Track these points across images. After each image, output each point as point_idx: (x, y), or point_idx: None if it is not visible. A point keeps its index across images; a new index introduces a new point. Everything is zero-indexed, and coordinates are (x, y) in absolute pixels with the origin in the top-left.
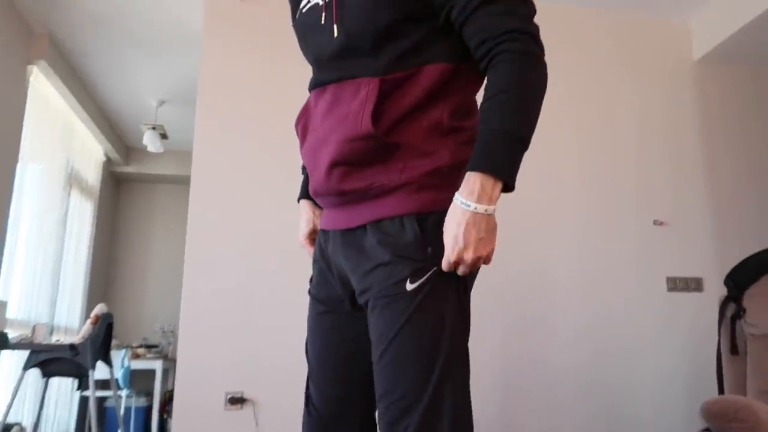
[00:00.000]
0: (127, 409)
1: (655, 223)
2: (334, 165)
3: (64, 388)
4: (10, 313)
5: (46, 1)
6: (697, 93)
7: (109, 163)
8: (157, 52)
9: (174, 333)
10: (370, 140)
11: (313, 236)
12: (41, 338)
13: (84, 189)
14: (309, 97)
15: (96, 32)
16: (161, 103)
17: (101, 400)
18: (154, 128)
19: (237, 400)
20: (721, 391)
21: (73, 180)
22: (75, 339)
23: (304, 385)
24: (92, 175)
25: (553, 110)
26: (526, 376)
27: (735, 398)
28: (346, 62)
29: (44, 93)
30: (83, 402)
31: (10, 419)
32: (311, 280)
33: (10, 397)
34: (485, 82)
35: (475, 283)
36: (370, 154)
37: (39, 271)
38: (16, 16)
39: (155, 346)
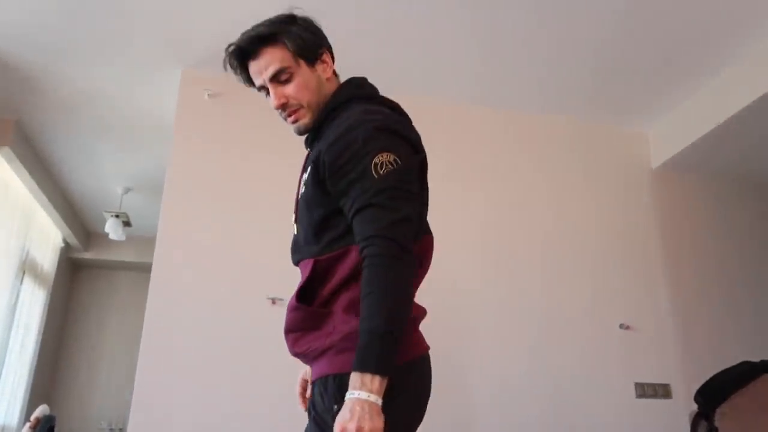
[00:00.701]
0: None
1: (621, 327)
2: (286, 332)
3: None
4: None
5: (16, 86)
6: (655, 199)
7: (67, 248)
8: (126, 141)
9: (123, 430)
10: (299, 311)
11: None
12: None
13: (38, 275)
14: None
15: (65, 119)
16: (127, 190)
17: None
18: (117, 216)
19: None
20: None
21: (27, 266)
22: None
23: None
24: (48, 261)
25: (514, 213)
26: None
27: None
28: (301, 248)
29: (4, 178)
30: None
31: None
32: None
33: None
34: None
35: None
36: (305, 322)
37: None
38: None
39: None
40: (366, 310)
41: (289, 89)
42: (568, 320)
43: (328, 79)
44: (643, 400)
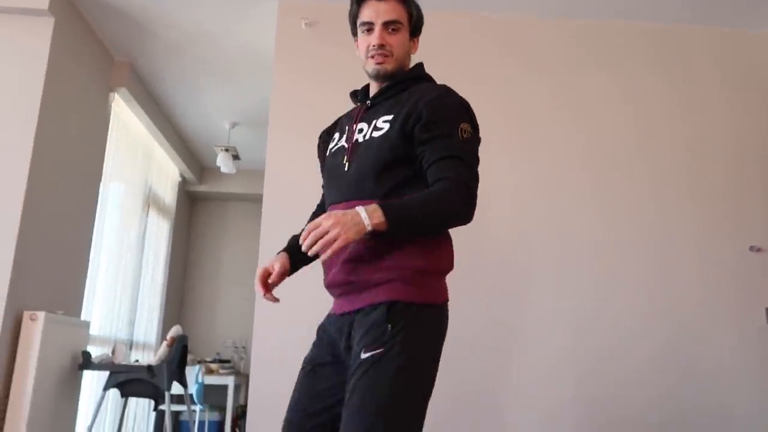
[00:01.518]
0: (201, 423)
1: (751, 249)
2: (346, 261)
3: (142, 403)
4: (93, 330)
5: (126, 30)
6: None
7: (184, 182)
8: (229, 77)
9: (246, 349)
10: (367, 243)
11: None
12: (121, 358)
13: (161, 208)
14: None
15: (171, 59)
16: (233, 125)
17: (177, 414)
18: (226, 150)
19: None
20: None
21: (151, 200)
22: (152, 360)
23: None
24: (168, 195)
25: (654, 125)
26: (603, 419)
27: None
28: (353, 188)
29: (125, 118)
30: (160, 416)
31: None
32: None
33: (92, 415)
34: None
35: (557, 321)
36: (370, 254)
37: (119, 289)
38: (98, 46)
39: (227, 362)
40: (418, 199)
41: (393, 38)
42: (689, 244)
43: (410, 54)
44: None
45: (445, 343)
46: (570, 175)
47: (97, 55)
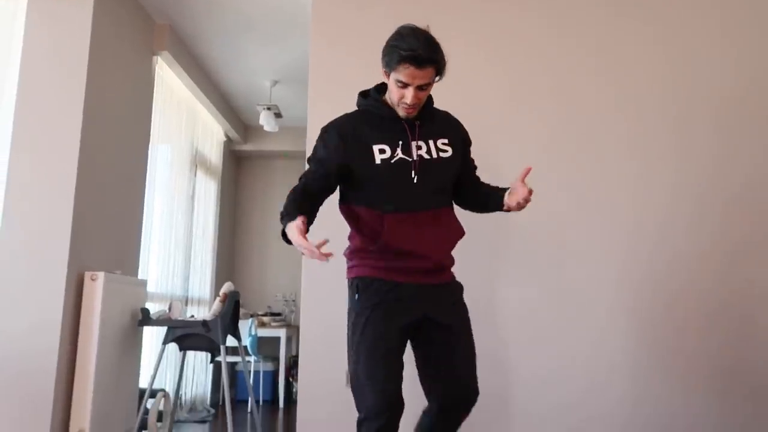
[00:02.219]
0: (256, 373)
1: None
2: (448, 248)
3: (200, 355)
4: (150, 288)
5: None
6: None
7: (229, 142)
8: (268, 35)
9: (295, 302)
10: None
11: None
12: (177, 314)
13: (208, 168)
14: (395, 216)
15: (211, 20)
16: (274, 83)
17: (233, 365)
18: (269, 108)
19: None
20: None
21: (198, 160)
22: (207, 316)
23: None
24: (215, 154)
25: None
26: (659, 366)
27: None
28: (431, 198)
29: (168, 80)
30: (217, 367)
31: (155, 385)
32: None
33: (153, 367)
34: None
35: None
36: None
37: (173, 248)
38: (139, 10)
39: (279, 314)
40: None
41: (423, 95)
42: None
43: None
44: None
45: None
46: (601, 123)
47: (139, 19)
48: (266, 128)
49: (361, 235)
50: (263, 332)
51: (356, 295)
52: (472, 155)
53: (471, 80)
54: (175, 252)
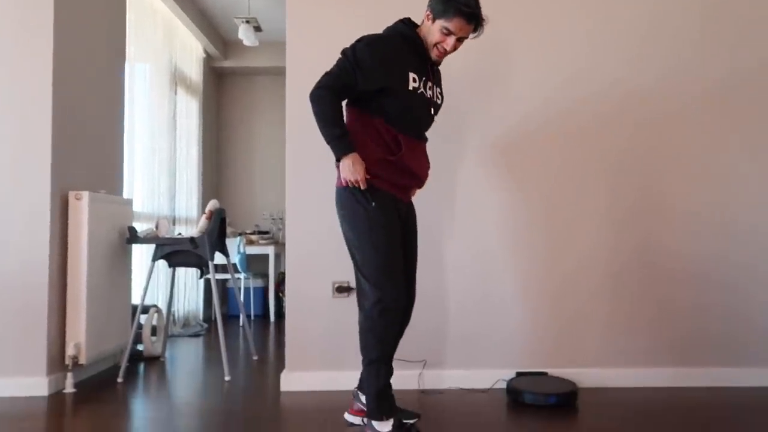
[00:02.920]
0: (247, 290)
1: None
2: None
3: (191, 272)
4: (136, 207)
5: None
6: None
7: (208, 59)
8: None
9: (282, 220)
10: None
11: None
12: (165, 232)
13: (189, 86)
14: (409, 140)
15: None
16: None
17: (224, 281)
18: (247, 21)
19: (344, 289)
20: None
21: (178, 78)
22: (194, 233)
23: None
24: (195, 72)
25: None
26: (637, 272)
27: None
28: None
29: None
30: (209, 283)
31: (147, 302)
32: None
33: (144, 284)
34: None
35: (578, 182)
36: None
37: (156, 167)
38: None
39: (266, 233)
40: None
41: (458, 46)
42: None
43: None
44: None
45: None
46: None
47: None
48: (246, 42)
49: (375, 144)
50: (252, 250)
51: (372, 203)
52: None
53: None
54: (159, 171)
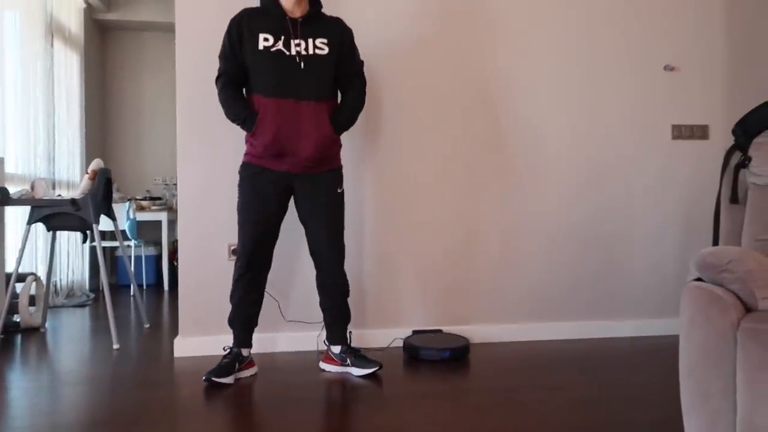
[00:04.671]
0: (139, 258)
1: (666, 68)
2: (323, 147)
3: (74, 239)
4: (9, 169)
5: None
6: None
7: (89, 10)
8: None
9: (176, 185)
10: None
11: None
12: (42, 194)
13: (67, 39)
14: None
15: None
16: None
17: (113, 250)
18: None
19: None
20: (716, 239)
21: (54, 29)
22: (76, 194)
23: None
24: (74, 23)
25: None
26: (522, 230)
27: (729, 249)
28: (312, 90)
29: None
30: (94, 252)
31: (24, 270)
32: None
33: (19, 250)
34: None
35: (471, 144)
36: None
37: (32, 125)
38: None
39: (159, 199)
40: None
41: None
42: (609, 63)
43: None
44: (679, 141)
45: None
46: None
47: None
48: None
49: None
50: (143, 216)
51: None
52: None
53: None
54: (36, 130)
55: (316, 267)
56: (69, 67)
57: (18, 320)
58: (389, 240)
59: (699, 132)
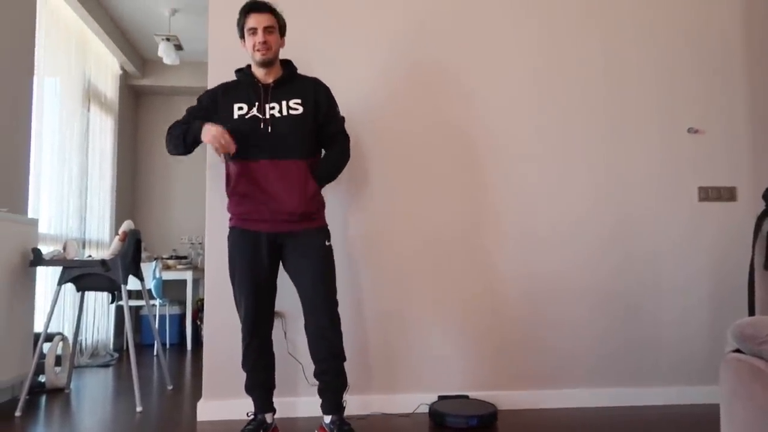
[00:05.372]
0: (163, 317)
1: (689, 131)
2: (305, 212)
3: (100, 298)
4: (42, 229)
5: None
6: None
7: (125, 76)
8: None
9: (202, 245)
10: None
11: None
12: (73, 254)
13: (103, 104)
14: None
15: None
16: (174, 12)
17: (138, 309)
18: (168, 39)
19: None
20: (751, 307)
21: (91, 94)
22: (106, 255)
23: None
24: (110, 89)
25: (578, 8)
26: (546, 292)
27: (767, 320)
28: (289, 149)
29: (53, 3)
30: (120, 311)
31: (52, 329)
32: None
33: (49, 310)
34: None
35: (495, 203)
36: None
37: (66, 187)
38: None
39: (185, 258)
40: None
41: (271, 39)
42: (634, 124)
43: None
44: (707, 203)
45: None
46: (517, 59)
47: None
48: (166, 61)
49: (227, 185)
50: (169, 275)
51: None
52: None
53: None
54: (69, 191)
55: (307, 327)
56: (103, 130)
57: (43, 381)
58: (413, 302)
59: (726, 194)
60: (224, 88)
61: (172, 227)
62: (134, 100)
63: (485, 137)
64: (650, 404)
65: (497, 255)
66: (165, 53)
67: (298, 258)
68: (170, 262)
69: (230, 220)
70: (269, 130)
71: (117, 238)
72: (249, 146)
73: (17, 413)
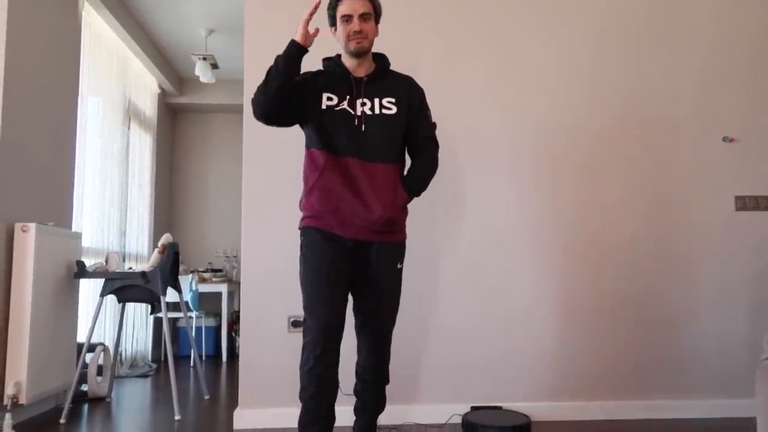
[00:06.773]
0: (199, 329)
1: (724, 139)
2: (396, 216)
3: (140, 311)
4: (85, 242)
5: None
6: None
7: (163, 94)
8: None
9: (237, 257)
10: None
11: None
12: (115, 266)
13: (142, 121)
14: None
15: None
16: (210, 32)
17: (174, 321)
18: (204, 58)
19: (299, 324)
20: None
21: (131, 112)
22: (145, 267)
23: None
24: (149, 107)
25: (611, 17)
26: (584, 308)
27: None
28: (377, 152)
29: (96, 26)
30: (158, 322)
31: (94, 340)
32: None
33: (91, 320)
34: None
35: (527, 218)
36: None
37: (107, 202)
38: None
39: (220, 270)
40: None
41: (367, 26)
42: (671, 132)
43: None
44: (744, 213)
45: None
46: (551, 65)
47: None
48: (202, 79)
49: (309, 171)
50: (204, 288)
51: (301, 240)
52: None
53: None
54: (110, 206)
55: (359, 344)
56: (142, 147)
57: (86, 390)
58: (446, 312)
59: (764, 203)
60: (313, 74)
61: (208, 241)
62: (171, 117)
63: (539, 146)
64: (687, 417)
65: (533, 267)
66: (201, 72)
67: (372, 275)
68: (206, 275)
69: (305, 219)
70: (362, 129)
71: (156, 250)
72: (338, 141)
73: (62, 420)
